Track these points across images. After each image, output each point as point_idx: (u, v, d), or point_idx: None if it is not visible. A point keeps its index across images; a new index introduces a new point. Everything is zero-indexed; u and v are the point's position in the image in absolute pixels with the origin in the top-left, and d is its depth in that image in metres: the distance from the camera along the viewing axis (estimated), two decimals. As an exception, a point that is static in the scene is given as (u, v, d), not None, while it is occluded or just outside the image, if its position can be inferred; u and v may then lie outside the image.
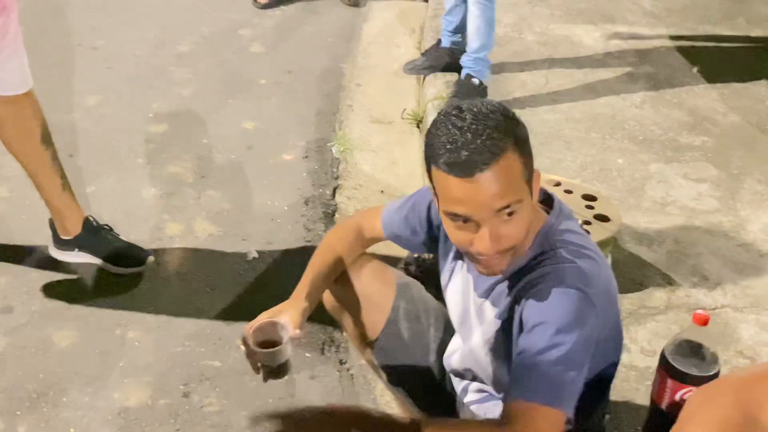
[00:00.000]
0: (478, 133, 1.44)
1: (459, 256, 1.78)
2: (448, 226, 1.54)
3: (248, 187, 3.25)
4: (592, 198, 2.70)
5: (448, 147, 1.45)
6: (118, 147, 3.44)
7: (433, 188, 1.56)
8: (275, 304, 1.91)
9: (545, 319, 1.51)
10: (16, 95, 2.46)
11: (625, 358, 2.27)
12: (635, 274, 2.64)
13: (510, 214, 1.48)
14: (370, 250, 2.03)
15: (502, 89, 3.69)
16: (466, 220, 1.49)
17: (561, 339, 1.49)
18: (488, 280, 1.67)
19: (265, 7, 4.77)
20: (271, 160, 3.43)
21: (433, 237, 1.87)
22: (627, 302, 2.51)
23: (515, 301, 1.60)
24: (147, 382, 2.37)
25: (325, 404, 1.53)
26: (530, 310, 1.55)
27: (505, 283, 1.64)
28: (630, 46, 4.20)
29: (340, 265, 1.97)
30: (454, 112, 1.49)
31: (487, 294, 1.68)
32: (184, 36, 4.40)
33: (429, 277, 2.49)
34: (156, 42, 4.32)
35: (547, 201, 1.68)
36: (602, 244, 2.38)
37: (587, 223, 2.51)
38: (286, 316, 1.82)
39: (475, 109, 1.48)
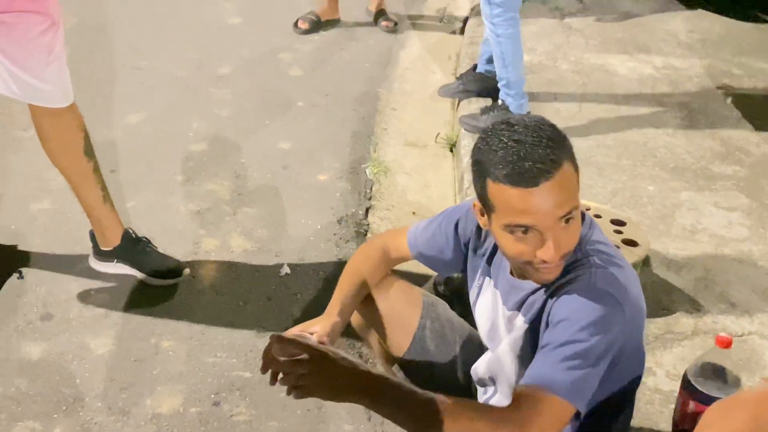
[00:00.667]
0: (537, 144, 1.49)
1: (487, 272, 1.82)
2: (506, 240, 1.56)
3: (283, 206, 3.32)
4: (621, 223, 2.73)
5: (508, 159, 1.49)
6: (158, 164, 3.53)
7: (485, 205, 1.58)
8: (305, 319, 1.97)
9: (571, 316, 1.54)
10: (60, 108, 2.54)
11: (650, 381, 2.30)
12: (663, 299, 2.65)
13: (568, 221, 1.53)
14: (399, 268, 2.08)
15: (535, 116, 3.72)
16: (526, 231, 1.52)
17: (583, 336, 1.51)
18: (519, 293, 1.70)
19: (305, 32, 4.85)
20: (305, 180, 3.50)
21: (459, 255, 1.90)
22: (654, 326, 2.52)
23: (545, 303, 1.63)
24: (179, 390, 2.42)
25: (353, 362, 1.52)
26: (558, 308, 1.58)
27: (538, 293, 1.66)
28: (664, 76, 4.23)
29: (368, 284, 2.01)
30: (503, 127, 1.53)
31: (518, 306, 1.71)
32: (225, 58, 4.50)
33: (457, 297, 2.53)
34: (197, 64, 4.43)
35: None
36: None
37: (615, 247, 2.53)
38: (317, 330, 1.86)
39: (524, 123, 1.53)
